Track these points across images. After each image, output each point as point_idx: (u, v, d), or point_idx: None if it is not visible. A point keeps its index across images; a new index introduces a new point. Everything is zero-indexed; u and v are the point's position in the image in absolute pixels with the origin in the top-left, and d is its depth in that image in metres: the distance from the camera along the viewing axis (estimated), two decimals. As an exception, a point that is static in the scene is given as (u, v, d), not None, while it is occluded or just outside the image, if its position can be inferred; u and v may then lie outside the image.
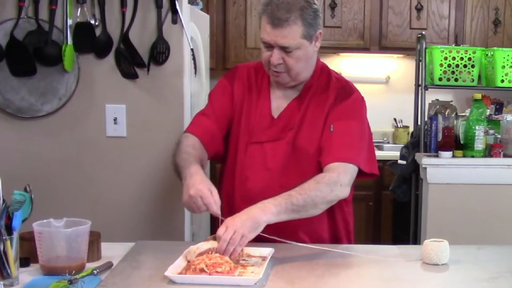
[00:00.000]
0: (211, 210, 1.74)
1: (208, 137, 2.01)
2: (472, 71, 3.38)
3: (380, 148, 4.76)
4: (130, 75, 2.37)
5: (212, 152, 2.03)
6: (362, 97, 2.04)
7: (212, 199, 1.74)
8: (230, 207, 1.88)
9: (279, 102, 2.03)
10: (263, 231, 1.72)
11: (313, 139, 1.96)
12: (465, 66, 3.37)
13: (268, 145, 1.98)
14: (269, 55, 1.91)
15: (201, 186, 1.75)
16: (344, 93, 2.00)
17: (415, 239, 3.52)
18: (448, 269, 1.74)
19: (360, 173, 1.96)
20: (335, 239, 2.05)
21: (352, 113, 1.98)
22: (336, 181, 1.86)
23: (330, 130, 1.94)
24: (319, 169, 1.93)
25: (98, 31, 2.34)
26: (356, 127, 1.98)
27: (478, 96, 3.26)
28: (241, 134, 2.01)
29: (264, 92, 2.05)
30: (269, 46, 1.90)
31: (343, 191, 1.88)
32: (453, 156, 3.26)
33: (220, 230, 1.69)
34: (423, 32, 3.62)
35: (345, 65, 4.91)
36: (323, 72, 2.05)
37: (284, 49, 1.88)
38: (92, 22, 2.34)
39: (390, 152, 4.32)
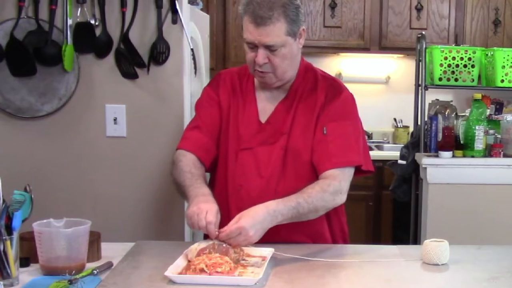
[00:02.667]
0: (210, 228, 1.72)
1: (203, 151, 1.99)
2: (472, 71, 3.38)
3: (380, 148, 4.77)
4: (130, 75, 2.37)
5: (208, 165, 2.01)
6: (352, 94, 2.02)
7: (215, 220, 1.73)
8: (225, 217, 1.82)
9: (265, 104, 2.01)
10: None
11: (306, 143, 1.94)
12: (465, 66, 3.37)
13: (260, 151, 1.96)
14: (254, 56, 1.88)
15: (212, 206, 1.76)
16: (334, 92, 1.98)
17: (415, 239, 3.53)
18: (448, 269, 1.74)
19: (357, 170, 1.96)
20: (333, 239, 2.05)
21: (344, 114, 1.97)
22: (338, 190, 1.88)
23: (324, 133, 1.93)
24: (314, 172, 1.93)
25: (98, 31, 2.34)
26: (351, 127, 1.96)
27: (478, 96, 3.26)
28: (230, 141, 1.99)
29: (250, 96, 2.02)
30: (254, 46, 1.88)
31: (343, 198, 1.91)
32: (453, 156, 3.26)
33: (233, 225, 1.69)
34: (423, 32, 3.62)
35: (345, 65, 4.92)
36: (308, 71, 2.03)
37: (269, 48, 1.86)
38: (92, 22, 2.34)
39: (390, 152, 4.32)
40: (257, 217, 1.73)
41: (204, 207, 1.74)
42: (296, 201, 1.80)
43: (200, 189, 1.84)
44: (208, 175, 2.08)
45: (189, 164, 1.94)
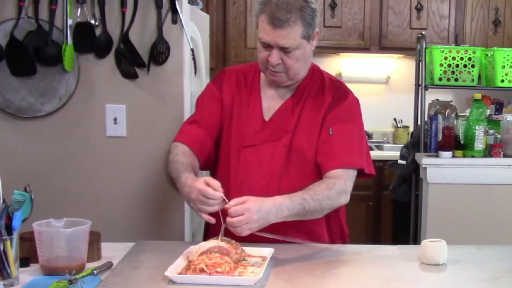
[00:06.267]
0: (217, 197, 1.72)
1: (198, 145, 1.99)
2: (472, 71, 3.39)
3: (380, 148, 4.77)
4: (130, 75, 2.37)
5: (203, 160, 2.01)
6: (357, 99, 2.05)
7: (212, 192, 1.72)
8: (226, 213, 1.80)
9: (270, 102, 2.01)
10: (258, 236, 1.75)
11: (310, 142, 1.95)
12: (465, 66, 3.37)
13: (263, 148, 1.97)
14: (267, 55, 1.89)
15: (197, 185, 1.74)
16: (341, 94, 2.00)
17: (415, 239, 3.53)
18: (448, 269, 1.74)
19: (359, 173, 1.97)
20: (331, 239, 2.05)
21: (350, 117, 1.99)
22: (344, 190, 1.89)
23: (330, 134, 1.94)
24: (316, 171, 1.94)
25: (98, 31, 2.34)
26: (355, 130, 1.98)
27: (478, 96, 3.26)
28: (233, 138, 1.99)
29: (255, 93, 2.03)
30: (268, 46, 1.88)
31: (347, 198, 1.92)
32: (453, 156, 3.26)
33: (237, 211, 1.68)
34: (423, 32, 3.62)
35: (345, 65, 4.91)
36: (314, 72, 2.05)
37: (284, 50, 1.87)
38: (92, 22, 2.33)
39: (390, 152, 4.32)
40: (263, 205, 1.73)
41: (197, 194, 1.73)
42: (302, 197, 1.80)
43: (179, 180, 1.84)
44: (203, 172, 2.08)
45: (178, 153, 1.94)
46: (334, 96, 1.99)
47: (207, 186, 1.73)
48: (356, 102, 2.03)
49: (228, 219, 1.69)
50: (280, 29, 1.84)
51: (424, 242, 1.79)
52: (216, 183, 1.75)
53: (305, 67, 1.99)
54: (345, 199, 1.91)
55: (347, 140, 1.95)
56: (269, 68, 1.92)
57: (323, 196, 1.83)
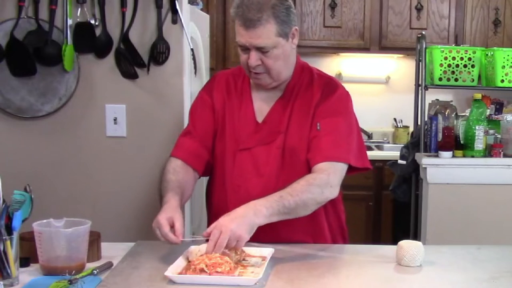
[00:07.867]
0: (169, 239, 1.71)
1: (193, 158, 1.98)
2: (472, 71, 3.38)
3: (380, 148, 4.77)
4: (130, 75, 2.38)
5: (202, 170, 2.01)
6: (347, 92, 2.02)
7: (167, 229, 1.70)
8: None
9: (262, 104, 2.00)
10: (259, 236, 1.73)
11: (302, 141, 1.94)
12: (465, 66, 3.37)
13: (258, 151, 1.95)
14: (247, 58, 1.88)
15: (160, 217, 1.73)
16: (329, 89, 1.98)
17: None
18: (448, 269, 1.74)
19: (353, 168, 1.95)
20: (333, 237, 2.05)
21: (338, 110, 1.96)
22: (327, 183, 1.85)
23: (317, 129, 1.92)
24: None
25: (98, 31, 2.35)
26: (343, 123, 1.95)
27: (478, 96, 3.26)
28: (227, 142, 1.99)
29: (246, 96, 2.02)
30: (246, 49, 1.87)
31: (333, 192, 1.87)
32: (453, 156, 3.26)
33: (214, 235, 1.65)
34: (423, 32, 3.62)
35: (345, 65, 4.91)
36: (304, 70, 2.03)
37: (261, 50, 1.86)
38: (92, 22, 2.34)
39: (390, 152, 4.32)
40: (234, 213, 1.71)
41: (155, 224, 1.73)
42: (279, 195, 1.77)
43: (163, 200, 1.84)
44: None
45: (169, 171, 1.94)
46: (323, 91, 1.97)
47: (163, 229, 1.71)
48: (345, 96, 2.00)
49: (217, 248, 1.65)
50: (253, 29, 1.83)
51: (400, 243, 1.77)
52: (179, 228, 1.72)
53: (287, 66, 1.96)
54: (330, 192, 1.86)
55: (333, 134, 1.92)
56: (251, 71, 1.91)
57: (302, 191, 1.80)
